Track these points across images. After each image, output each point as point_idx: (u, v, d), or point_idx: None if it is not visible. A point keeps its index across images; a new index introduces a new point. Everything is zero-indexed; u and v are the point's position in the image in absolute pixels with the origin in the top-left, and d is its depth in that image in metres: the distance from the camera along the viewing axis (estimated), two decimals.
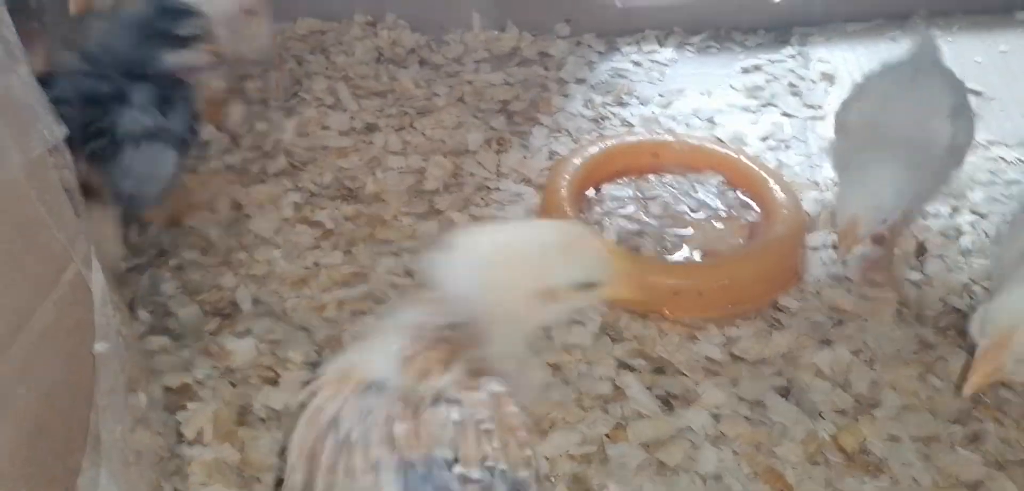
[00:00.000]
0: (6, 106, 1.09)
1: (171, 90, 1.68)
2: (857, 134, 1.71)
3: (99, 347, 1.20)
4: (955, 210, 1.99)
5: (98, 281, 1.23)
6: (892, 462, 1.44)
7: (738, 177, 2.02)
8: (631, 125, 2.31)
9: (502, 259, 1.05)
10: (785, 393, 1.57)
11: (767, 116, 2.34)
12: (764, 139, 2.25)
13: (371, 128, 2.30)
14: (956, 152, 1.73)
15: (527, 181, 2.12)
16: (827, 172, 2.09)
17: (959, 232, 1.93)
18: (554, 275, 1.05)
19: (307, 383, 1.54)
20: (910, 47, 1.85)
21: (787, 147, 2.23)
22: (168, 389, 1.57)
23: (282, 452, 1.47)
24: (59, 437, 1.18)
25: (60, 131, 1.18)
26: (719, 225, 1.93)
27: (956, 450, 1.46)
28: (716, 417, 1.53)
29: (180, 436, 1.49)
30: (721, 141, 2.20)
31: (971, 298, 1.76)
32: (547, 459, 1.45)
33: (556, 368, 1.62)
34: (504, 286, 1.04)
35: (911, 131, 1.63)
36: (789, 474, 1.42)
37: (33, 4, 2.37)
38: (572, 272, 1.06)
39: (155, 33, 1.67)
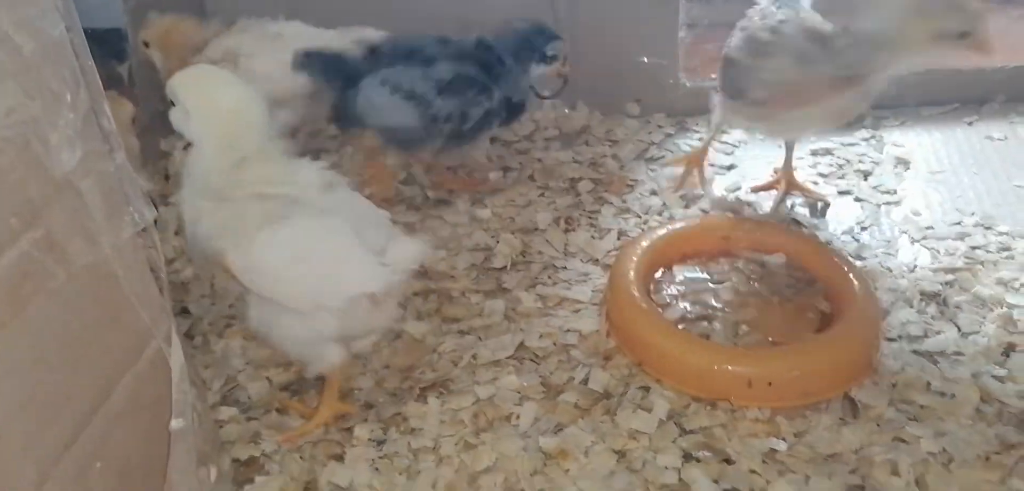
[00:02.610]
0: (102, 191, 1.15)
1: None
2: None
3: (175, 424, 1.24)
4: None
5: (177, 358, 1.28)
6: None
7: (810, 261, 1.99)
8: (699, 203, 2.30)
9: None
10: None
11: (839, 201, 2.30)
12: (836, 223, 2.22)
13: (442, 203, 2.34)
14: None
15: (594, 261, 2.13)
16: (903, 258, 2.05)
17: None
18: None
19: (372, 461, 1.59)
20: None
21: (863, 229, 2.19)
22: (236, 461, 1.60)
23: None
24: None
25: (150, 214, 1.23)
26: (790, 311, 1.90)
27: None
28: None
29: None
30: (793, 224, 2.18)
31: None
32: None
33: (621, 454, 1.61)
34: None
35: None
36: None
37: (126, 80, 2.51)
38: None
39: (530, 47, 2.22)
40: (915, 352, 1.81)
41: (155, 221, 1.23)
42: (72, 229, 1.09)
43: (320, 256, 1.48)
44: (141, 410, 1.24)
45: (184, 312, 1.98)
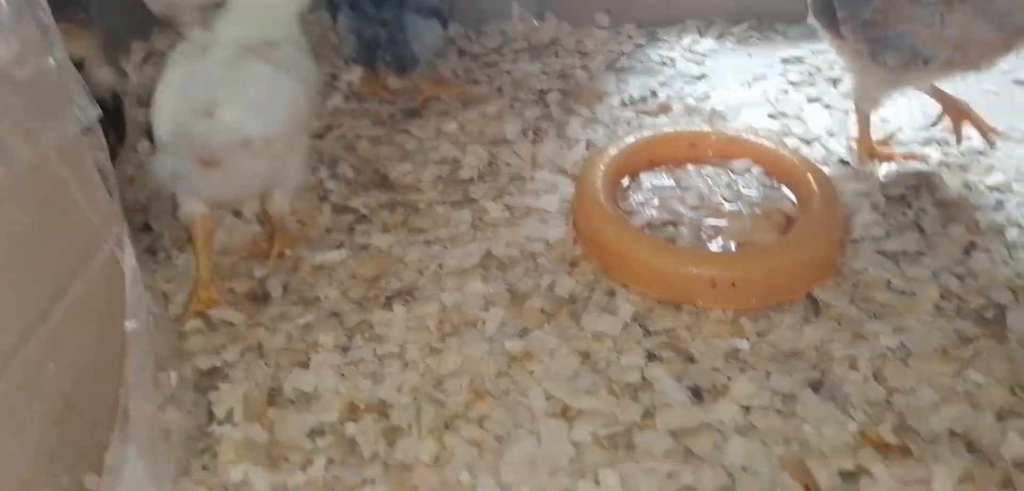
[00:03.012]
0: (40, 88, 1.12)
1: None
2: None
3: (130, 325, 1.23)
4: (1000, 204, 1.93)
5: (130, 261, 1.26)
6: (925, 454, 1.40)
7: (776, 167, 1.99)
8: (669, 112, 2.29)
9: None
10: (817, 387, 1.54)
11: (809, 108, 2.29)
12: (805, 130, 2.21)
13: (409, 115, 2.32)
14: None
15: (562, 171, 2.11)
16: (871, 163, 2.05)
17: (1005, 225, 1.87)
18: None
19: (337, 367, 1.60)
20: None
21: (831, 136, 2.19)
22: (200, 372, 1.60)
23: (311, 434, 1.50)
24: (88, 414, 1.22)
25: (94, 112, 1.21)
26: (756, 216, 1.90)
27: (992, 443, 1.42)
28: (746, 409, 1.51)
29: (211, 416, 1.52)
30: (759, 131, 2.17)
31: (1015, 294, 1.71)
32: (573, 444, 1.45)
33: (585, 356, 1.62)
34: None
35: None
36: (815, 466, 1.39)
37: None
38: None
39: None
40: (878, 252, 1.82)
41: (100, 120, 1.20)
42: (11, 125, 1.06)
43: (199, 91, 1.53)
44: (95, 312, 1.22)
45: (146, 228, 1.97)
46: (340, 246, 1.90)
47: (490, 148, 2.19)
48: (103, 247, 1.25)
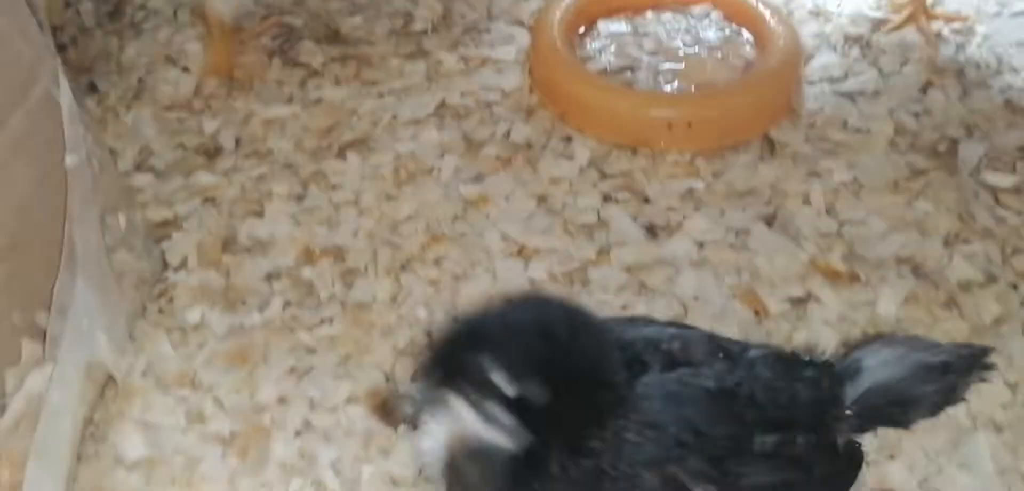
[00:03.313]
0: None
1: None
2: None
3: (69, 160, 1.21)
4: (961, 47, 1.93)
5: (66, 97, 1.23)
6: (872, 279, 1.43)
7: (736, 11, 1.96)
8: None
9: None
10: (770, 221, 1.56)
11: None
12: None
13: None
14: None
15: (519, 23, 2.07)
16: (831, 5, 2.03)
17: (965, 65, 1.87)
18: None
19: (292, 215, 1.59)
20: None
21: None
22: (152, 223, 1.58)
23: (268, 278, 1.50)
24: (35, 249, 1.20)
25: None
26: (715, 59, 1.89)
27: (938, 266, 1.45)
28: (700, 244, 1.53)
29: (165, 264, 1.51)
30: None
31: (968, 129, 1.72)
32: (529, 281, 1.46)
33: (541, 198, 1.62)
34: None
35: None
36: (765, 293, 1.42)
37: None
38: None
39: None
40: (835, 93, 1.82)
41: None
42: None
43: None
44: (34, 148, 1.19)
45: (91, 89, 1.91)
46: (291, 100, 1.86)
47: (442, 1, 2.14)
48: (40, 83, 1.21)
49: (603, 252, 1.52)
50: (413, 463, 1.21)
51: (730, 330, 1.36)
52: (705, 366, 0.93)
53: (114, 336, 1.27)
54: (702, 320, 1.38)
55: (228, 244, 1.55)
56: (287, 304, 1.45)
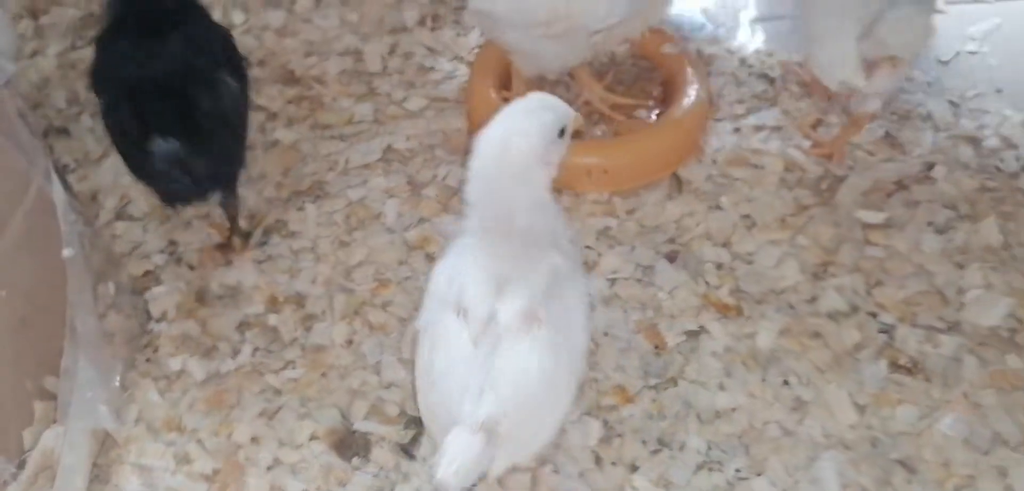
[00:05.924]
0: None
1: None
2: None
3: (66, 252, 1.42)
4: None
5: (58, 193, 1.43)
6: (754, 313, 1.69)
7: (650, 49, 2.17)
8: None
9: None
10: (672, 257, 1.80)
11: None
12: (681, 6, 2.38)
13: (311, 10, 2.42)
14: None
15: (459, 59, 2.27)
16: (742, 41, 2.25)
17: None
18: None
19: (257, 263, 1.80)
20: None
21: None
22: (135, 276, 1.78)
23: (239, 326, 1.72)
24: (42, 328, 1.42)
25: (12, 68, 1.35)
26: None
27: (809, 297, 1.71)
28: (611, 280, 1.77)
29: (148, 315, 1.72)
30: None
31: (852, 165, 1.96)
32: None
33: None
34: None
35: None
36: (664, 327, 1.67)
37: None
38: None
39: None
40: (736, 130, 2.06)
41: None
42: None
43: None
44: (36, 242, 1.40)
45: (63, 132, 2.08)
46: (251, 147, 2.05)
47: (390, 38, 2.32)
48: (34, 182, 1.41)
49: None
50: None
51: (632, 363, 1.63)
52: None
53: (112, 401, 1.49)
54: (609, 356, 1.63)
55: (202, 295, 1.77)
56: (256, 350, 1.67)
